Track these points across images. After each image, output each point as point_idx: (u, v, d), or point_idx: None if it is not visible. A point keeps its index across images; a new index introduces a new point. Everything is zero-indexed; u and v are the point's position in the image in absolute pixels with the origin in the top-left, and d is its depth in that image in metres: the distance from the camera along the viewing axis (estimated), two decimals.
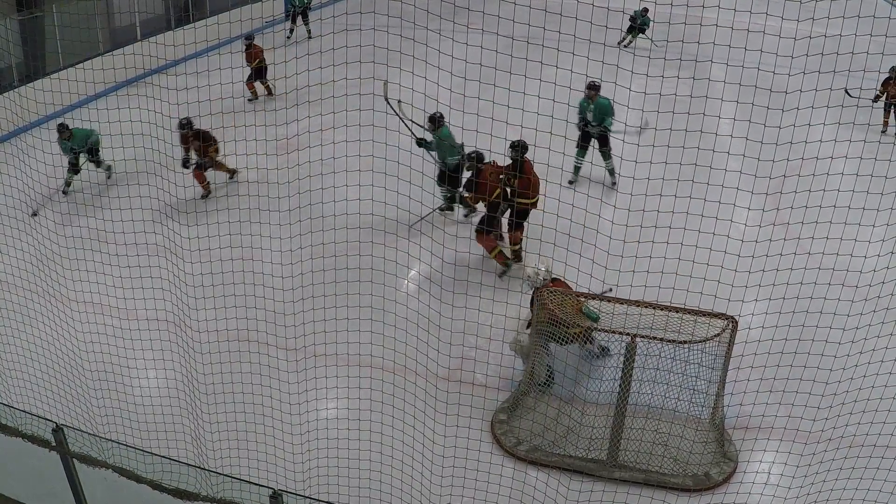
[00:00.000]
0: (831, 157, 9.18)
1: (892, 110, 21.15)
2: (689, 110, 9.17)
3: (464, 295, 10.55)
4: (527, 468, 10.08)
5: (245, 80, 20.95)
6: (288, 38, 27.16)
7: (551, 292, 10.36)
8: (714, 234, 8.98)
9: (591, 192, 8.93)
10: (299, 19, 27.76)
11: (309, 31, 27.53)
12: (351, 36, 9.61)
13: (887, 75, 20.79)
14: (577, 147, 16.85)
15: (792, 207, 9.66)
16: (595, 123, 16.60)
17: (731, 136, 9.18)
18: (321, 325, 10.14)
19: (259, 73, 21.25)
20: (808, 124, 8.88)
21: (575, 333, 10.29)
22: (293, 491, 8.36)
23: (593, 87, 16.29)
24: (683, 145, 8.88)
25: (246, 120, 10.47)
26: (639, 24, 25.55)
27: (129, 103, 18.26)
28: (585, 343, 10.67)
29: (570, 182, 16.76)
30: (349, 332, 10.07)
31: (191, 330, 10.41)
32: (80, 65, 19.64)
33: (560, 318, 10.16)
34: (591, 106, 16.58)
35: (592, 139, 16.83)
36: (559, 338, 10.36)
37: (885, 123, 21.18)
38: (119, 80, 19.27)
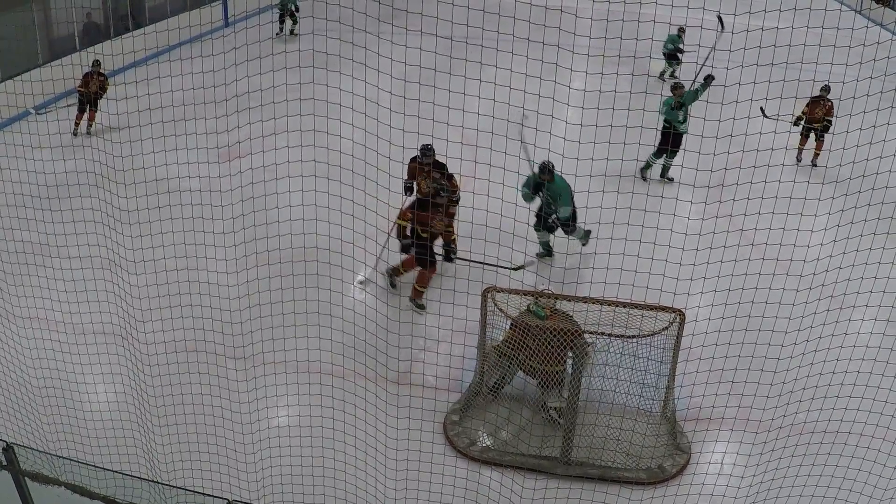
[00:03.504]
0: (771, 149, 9.28)
1: (815, 135, 18.69)
2: (630, 106, 9.21)
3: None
4: (481, 468, 10.09)
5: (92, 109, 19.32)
6: (278, 34, 26.85)
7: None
8: (657, 228, 9.03)
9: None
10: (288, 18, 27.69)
11: (292, 30, 27.45)
12: (291, 41, 9.56)
13: (817, 94, 18.39)
14: (658, 149, 16.80)
15: (734, 199, 9.74)
16: (682, 121, 16.57)
17: (672, 131, 9.24)
18: (269, 333, 10.07)
19: (95, 103, 19.25)
20: (748, 117, 8.96)
21: (544, 372, 10.32)
22: (247, 501, 8.31)
23: (679, 87, 16.68)
24: (624, 141, 8.93)
25: (187, 128, 10.37)
26: (678, 47, 23.69)
27: (69, 114, 18.15)
28: (548, 391, 10.60)
29: (644, 179, 17.04)
30: (297, 339, 10.00)
31: (138, 342, 10.30)
32: (18, 76, 19.37)
33: (536, 349, 10.17)
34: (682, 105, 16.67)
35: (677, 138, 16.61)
36: (529, 369, 10.42)
37: (800, 150, 18.95)
38: (58, 91, 19.05)
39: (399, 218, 13.21)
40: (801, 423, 9.80)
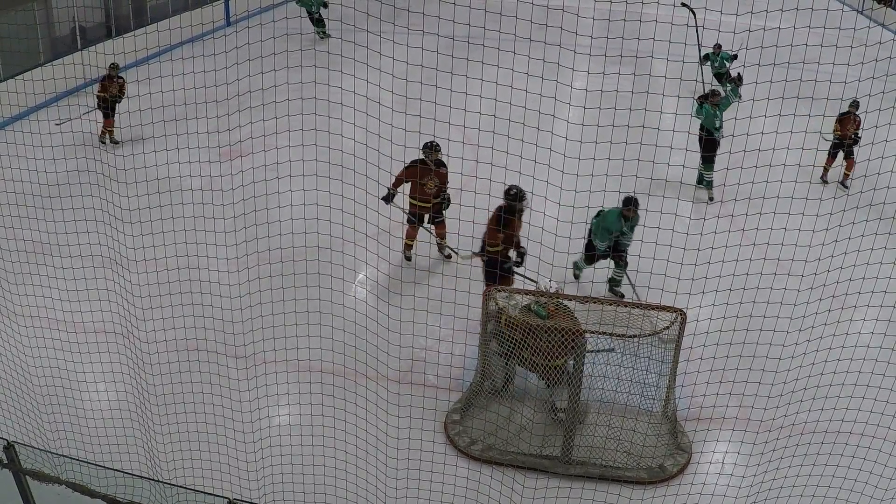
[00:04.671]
0: (773, 149, 9.27)
1: (843, 152, 17.70)
2: (631, 106, 9.21)
3: (412, 297, 10.52)
4: (481, 467, 10.07)
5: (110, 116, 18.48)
6: (321, 37, 26.97)
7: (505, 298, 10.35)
8: (659, 227, 9.03)
9: (535, 189, 8.92)
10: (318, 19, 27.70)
11: (323, 33, 27.47)
12: (292, 40, 9.57)
13: (845, 110, 17.42)
14: (703, 158, 15.52)
15: (735, 199, 9.75)
16: (719, 127, 15.97)
17: (674, 130, 9.22)
18: (270, 332, 10.07)
19: (114, 107, 18.36)
20: (750, 117, 8.95)
21: (546, 367, 10.30)
22: (248, 499, 8.31)
23: (716, 94, 16.03)
24: (626, 141, 8.93)
25: (188, 127, 10.38)
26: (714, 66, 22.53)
27: (71, 113, 18.15)
28: (553, 388, 10.55)
29: (711, 199, 15.61)
30: (298, 338, 10.00)
31: (139, 341, 10.30)
32: (20, 76, 19.37)
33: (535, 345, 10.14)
34: (718, 112, 15.90)
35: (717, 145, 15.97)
36: (528, 363, 10.39)
37: (826, 170, 18.04)
38: (59, 90, 19.05)
39: (491, 245, 12.17)
40: (801, 423, 9.80)
